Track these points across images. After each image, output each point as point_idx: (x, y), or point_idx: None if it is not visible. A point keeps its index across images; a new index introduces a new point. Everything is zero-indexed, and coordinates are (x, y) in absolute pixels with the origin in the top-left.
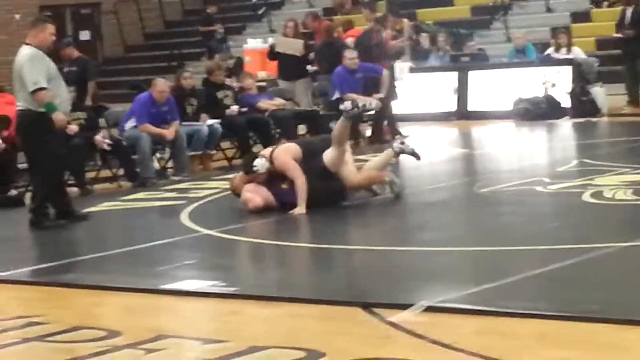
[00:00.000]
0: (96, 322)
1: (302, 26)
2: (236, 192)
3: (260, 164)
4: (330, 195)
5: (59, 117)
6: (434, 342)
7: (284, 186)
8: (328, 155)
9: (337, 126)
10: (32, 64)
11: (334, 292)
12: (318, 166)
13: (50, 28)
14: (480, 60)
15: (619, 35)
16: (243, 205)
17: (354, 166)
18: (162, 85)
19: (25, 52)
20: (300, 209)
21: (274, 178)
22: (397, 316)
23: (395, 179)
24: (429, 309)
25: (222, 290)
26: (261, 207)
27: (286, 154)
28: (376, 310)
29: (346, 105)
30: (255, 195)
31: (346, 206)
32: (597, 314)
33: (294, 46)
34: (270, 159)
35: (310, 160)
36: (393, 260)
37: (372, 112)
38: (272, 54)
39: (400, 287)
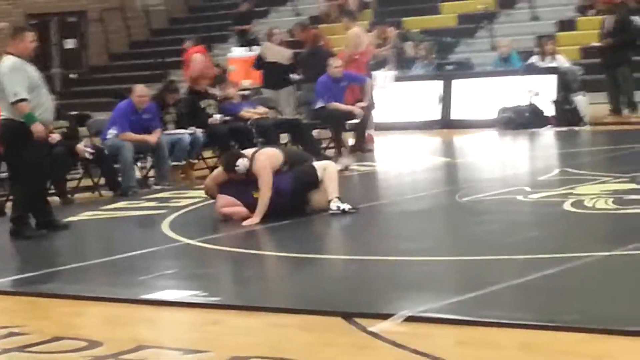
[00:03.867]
0: (77, 332)
1: (287, 35)
2: (209, 194)
3: (242, 164)
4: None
5: (37, 128)
6: (416, 352)
7: (256, 196)
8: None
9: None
10: (12, 74)
11: (315, 302)
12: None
13: (30, 36)
14: (465, 69)
15: (599, 44)
16: (217, 213)
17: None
18: (140, 91)
19: (6, 62)
20: (254, 220)
21: (248, 181)
22: (378, 326)
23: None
24: (410, 319)
25: (203, 300)
26: (246, 215)
27: (267, 161)
28: (357, 320)
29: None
30: (235, 208)
31: (328, 215)
32: (579, 324)
33: (284, 54)
34: (251, 160)
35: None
36: (374, 269)
37: (355, 121)
38: (259, 63)
39: (382, 296)
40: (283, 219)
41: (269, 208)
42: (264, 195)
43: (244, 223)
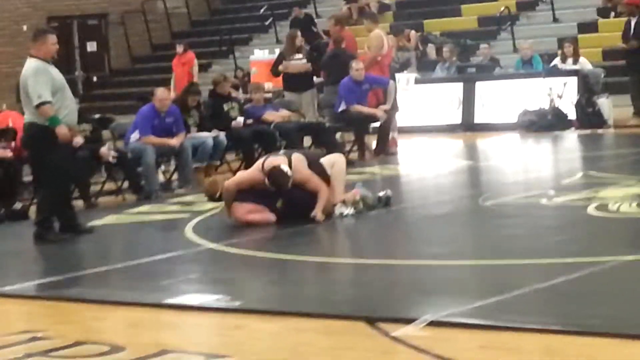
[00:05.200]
0: (99, 337)
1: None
2: (225, 197)
3: (291, 180)
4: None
5: (62, 130)
6: (438, 356)
7: (279, 205)
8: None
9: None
10: (36, 77)
11: (338, 306)
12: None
13: (52, 38)
14: (489, 71)
15: (624, 45)
16: (237, 220)
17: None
18: (162, 94)
19: (30, 65)
20: (319, 214)
21: (269, 191)
22: (401, 331)
23: (366, 193)
24: (433, 324)
25: (226, 305)
26: (273, 221)
27: (304, 165)
28: (380, 324)
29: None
30: (264, 214)
31: (349, 219)
32: (603, 329)
33: (301, 67)
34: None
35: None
36: (397, 274)
37: (378, 124)
38: (276, 71)
39: (404, 301)
40: (304, 223)
41: (284, 215)
42: (324, 193)
43: (312, 215)
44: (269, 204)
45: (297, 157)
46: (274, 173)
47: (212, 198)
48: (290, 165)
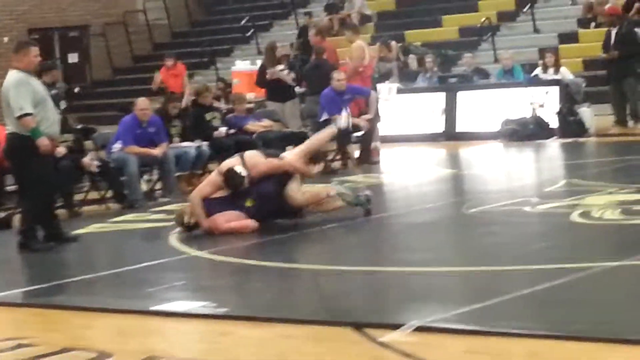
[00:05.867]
0: (86, 343)
1: (289, 48)
2: (194, 214)
3: (245, 175)
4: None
5: (43, 142)
6: None
7: (248, 204)
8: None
9: (321, 134)
10: (17, 89)
11: (325, 313)
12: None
13: (34, 50)
14: (470, 81)
15: (605, 55)
16: (216, 231)
17: (297, 185)
18: (142, 103)
19: (11, 77)
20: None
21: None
22: (388, 336)
23: (343, 190)
24: (419, 329)
25: (213, 311)
26: (255, 228)
27: (258, 158)
28: (367, 330)
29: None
30: (243, 221)
31: (334, 227)
32: (587, 334)
33: (285, 78)
34: (247, 168)
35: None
36: (383, 280)
37: (360, 133)
38: (261, 80)
39: (391, 307)
40: (290, 231)
41: (260, 216)
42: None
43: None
44: (239, 207)
45: (250, 154)
46: (228, 175)
47: (184, 225)
48: (245, 165)
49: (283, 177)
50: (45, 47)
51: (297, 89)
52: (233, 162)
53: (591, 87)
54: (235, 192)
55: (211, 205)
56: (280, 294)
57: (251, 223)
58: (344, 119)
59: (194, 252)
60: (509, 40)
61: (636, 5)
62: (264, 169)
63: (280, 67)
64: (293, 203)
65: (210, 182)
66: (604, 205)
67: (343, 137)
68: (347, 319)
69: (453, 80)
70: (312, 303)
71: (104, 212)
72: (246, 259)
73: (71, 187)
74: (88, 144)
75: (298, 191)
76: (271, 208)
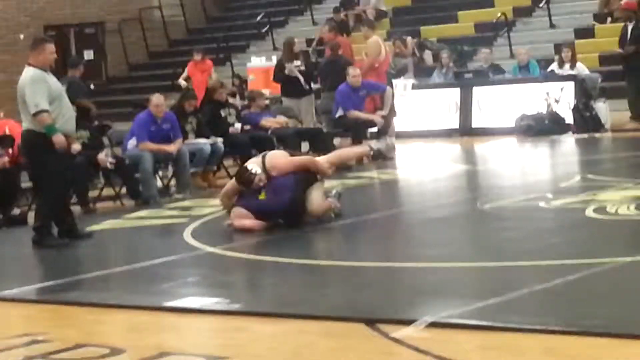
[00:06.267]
0: (99, 339)
1: (305, 44)
2: (227, 209)
3: (259, 173)
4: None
5: (58, 139)
6: (438, 357)
7: (261, 197)
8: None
9: (356, 149)
10: (33, 86)
11: (338, 309)
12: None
13: (50, 47)
14: (485, 76)
15: (621, 51)
16: (232, 227)
17: (320, 195)
18: (157, 100)
19: (27, 73)
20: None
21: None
22: (401, 332)
23: (336, 204)
24: (433, 325)
25: (226, 307)
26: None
27: (280, 156)
28: (380, 326)
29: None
30: (255, 221)
31: (347, 222)
32: (602, 329)
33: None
34: (264, 166)
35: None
36: (396, 276)
37: (375, 129)
38: (278, 76)
39: (404, 302)
40: (303, 227)
41: (269, 211)
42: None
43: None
44: (253, 200)
45: (272, 154)
46: (239, 171)
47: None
48: (263, 165)
49: (305, 176)
50: (61, 44)
51: (313, 85)
52: (250, 162)
53: (607, 82)
54: (247, 188)
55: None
56: (294, 290)
57: (259, 224)
58: (382, 143)
59: (208, 248)
60: (524, 35)
61: None
62: (284, 168)
63: (297, 63)
64: (312, 211)
65: (231, 184)
66: (619, 200)
67: (358, 133)
68: (359, 314)
69: (468, 75)
70: (325, 299)
71: (118, 209)
72: (260, 255)
73: (86, 183)
74: (104, 140)
75: (320, 201)
76: (282, 199)
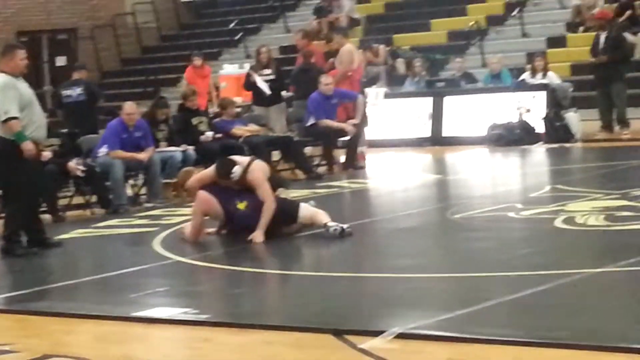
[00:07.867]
0: (67, 350)
1: (278, 52)
2: (185, 189)
3: (237, 172)
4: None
5: (27, 146)
6: None
7: (240, 207)
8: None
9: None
10: (3, 93)
11: (306, 319)
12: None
13: (21, 53)
14: (457, 85)
15: (593, 60)
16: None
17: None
18: (129, 108)
19: None
20: (259, 236)
21: (233, 190)
22: (369, 343)
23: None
24: (401, 336)
25: (194, 318)
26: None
27: (262, 172)
28: (348, 337)
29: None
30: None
31: (318, 233)
32: (570, 340)
33: (260, 83)
34: (246, 169)
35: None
36: (365, 286)
37: (346, 138)
38: (249, 84)
39: (372, 313)
40: (273, 236)
41: (243, 223)
42: (269, 206)
43: (250, 237)
44: (229, 203)
45: (259, 163)
46: (224, 162)
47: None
48: (247, 166)
49: (286, 210)
50: (33, 50)
51: (284, 93)
52: (240, 160)
53: (578, 92)
54: (221, 179)
55: (208, 190)
56: (262, 301)
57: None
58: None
59: (177, 257)
60: (497, 44)
61: (628, 11)
62: (257, 183)
63: (268, 71)
64: (300, 225)
65: (210, 172)
66: (588, 211)
67: (329, 142)
68: (327, 325)
69: (441, 84)
70: (293, 309)
71: (88, 217)
72: (229, 265)
73: (56, 191)
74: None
75: (309, 218)
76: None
